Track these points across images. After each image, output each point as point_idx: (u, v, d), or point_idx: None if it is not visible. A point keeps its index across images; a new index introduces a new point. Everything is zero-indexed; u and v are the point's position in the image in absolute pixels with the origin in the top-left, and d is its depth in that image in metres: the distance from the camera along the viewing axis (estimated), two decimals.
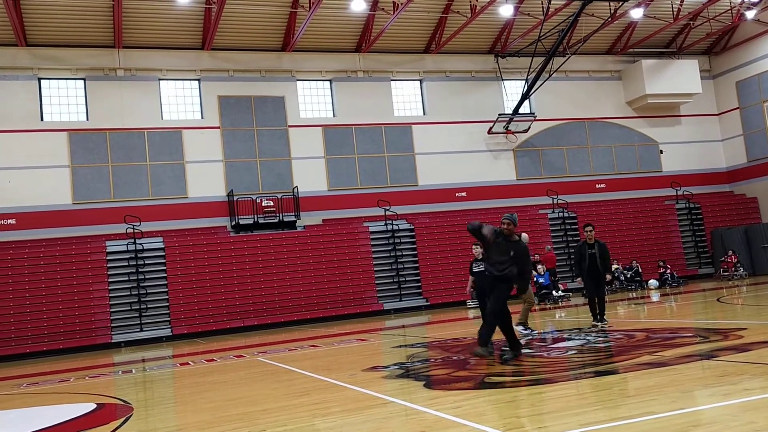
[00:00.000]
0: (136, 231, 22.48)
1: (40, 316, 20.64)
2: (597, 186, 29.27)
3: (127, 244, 22.22)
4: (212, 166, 24.46)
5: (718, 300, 16.77)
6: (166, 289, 22.25)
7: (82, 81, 23.67)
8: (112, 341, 21.12)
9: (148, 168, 23.70)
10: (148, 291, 22.11)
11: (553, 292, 22.47)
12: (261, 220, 23.98)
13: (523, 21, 26.70)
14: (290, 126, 25.52)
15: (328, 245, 23.97)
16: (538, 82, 26.43)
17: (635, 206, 28.70)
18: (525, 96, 27.02)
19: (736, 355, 7.46)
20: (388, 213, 25.40)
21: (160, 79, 24.45)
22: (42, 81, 23.30)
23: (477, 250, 12.83)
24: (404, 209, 25.91)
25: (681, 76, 29.69)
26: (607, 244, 12.50)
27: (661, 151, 30.55)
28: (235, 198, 23.99)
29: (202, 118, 24.78)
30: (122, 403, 8.72)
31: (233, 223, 23.96)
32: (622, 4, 25.52)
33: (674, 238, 28.71)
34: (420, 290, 24.85)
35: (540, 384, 7.04)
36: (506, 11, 25.26)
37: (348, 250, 24.20)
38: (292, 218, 24.32)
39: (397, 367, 9.38)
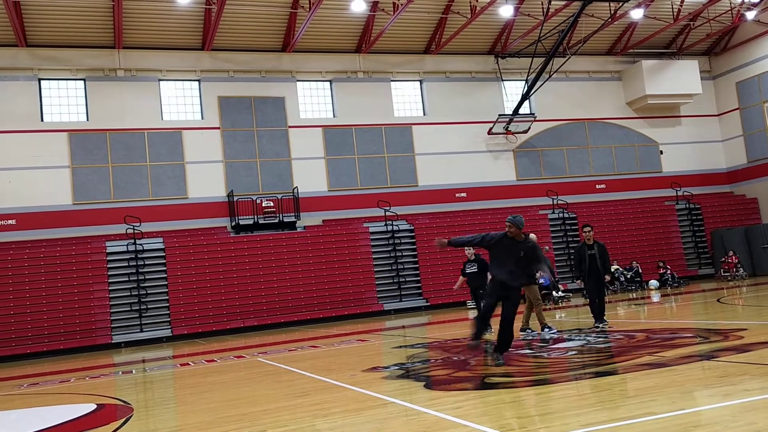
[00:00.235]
0: (136, 231, 22.48)
1: (41, 316, 20.65)
2: (597, 186, 29.27)
3: (127, 245, 22.22)
4: (212, 167, 24.46)
5: (718, 300, 16.77)
6: (167, 290, 22.25)
7: (83, 81, 23.67)
8: (113, 342, 21.13)
9: (148, 168, 23.71)
10: (149, 291, 22.11)
11: (553, 293, 22.46)
12: (261, 221, 23.98)
13: (523, 21, 26.70)
14: (290, 126, 25.53)
15: (328, 246, 23.97)
16: (538, 83, 26.43)
17: (635, 207, 28.70)
18: (525, 96, 27.03)
19: (737, 356, 7.46)
20: (388, 213, 25.40)
21: (160, 80, 24.46)
22: (42, 81, 23.31)
23: (470, 251, 12.87)
24: (404, 210, 25.91)
25: (681, 77, 29.70)
26: (606, 244, 12.50)
27: (661, 152, 30.55)
28: (235, 198, 23.99)
29: (202, 118, 24.79)
30: (122, 403, 8.72)
31: (233, 223, 23.96)
32: (622, 4, 25.52)
33: (674, 238, 28.71)
34: (420, 291, 24.85)
35: (540, 384, 7.04)
36: (506, 12, 25.26)
37: (348, 251, 24.21)
38: (292, 219, 24.32)
39: (397, 367, 9.38)
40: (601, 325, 11.87)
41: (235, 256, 22.91)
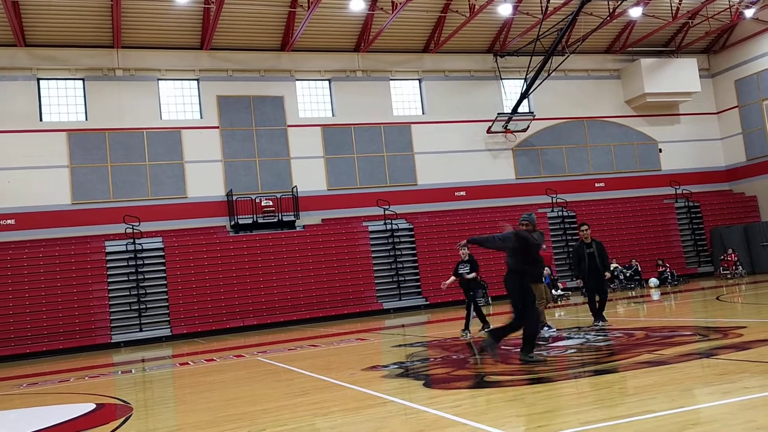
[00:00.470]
0: (135, 231, 22.47)
1: (40, 316, 20.64)
2: (596, 185, 29.28)
3: (126, 244, 22.21)
4: (211, 166, 24.45)
5: (717, 298, 16.77)
6: (166, 289, 22.25)
7: (81, 81, 23.65)
8: (112, 341, 21.12)
9: (147, 168, 23.69)
10: (148, 291, 22.11)
11: (552, 291, 22.46)
12: (260, 220, 23.98)
13: (522, 20, 26.69)
14: (289, 126, 25.52)
15: (327, 245, 23.97)
16: (537, 81, 26.43)
17: (634, 205, 28.70)
18: (524, 95, 27.03)
19: (736, 354, 7.46)
20: (387, 212, 25.40)
21: (159, 79, 24.44)
22: (41, 81, 23.29)
23: (464, 252, 12.85)
24: (403, 209, 25.91)
25: (680, 75, 29.70)
26: (605, 242, 12.51)
27: (660, 150, 30.56)
28: (234, 198, 23.99)
29: (201, 117, 24.78)
30: (122, 403, 8.71)
31: (232, 222, 23.96)
32: (621, 2, 25.53)
33: (673, 236, 28.71)
34: (419, 289, 24.85)
35: (540, 383, 7.04)
36: (505, 10, 25.26)
37: (347, 250, 24.20)
38: (292, 218, 24.32)
39: (396, 366, 9.38)
40: (600, 324, 11.88)
41: (234, 256, 22.90)
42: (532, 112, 27.94)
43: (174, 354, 16.30)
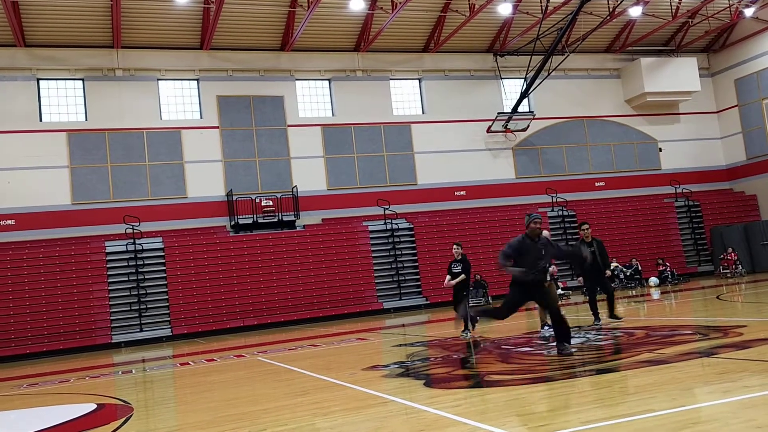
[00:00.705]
0: (135, 231, 22.47)
1: (40, 316, 20.64)
2: (596, 184, 29.27)
3: (126, 245, 22.21)
4: (211, 166, 24.45)
5: (717, 297, 16.77)
6: (166, 289, 22.25)
7: (81, 81, 23.65)
8: (112, 341, 21.12)
9: (147, 168, 23.69)
10: (148, 291, 22.11)
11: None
12: (260, 220, 23.98)
13: (522, 19, 26.69)
14: (289, 125, 25.52)
15: (327, 245, 23.97)
16: (537, 81, 26.43)
17: (634, 204, 28.70)
18: (524, 94, 27.03)
19: (736, 353, 7.46)
20: (387, 212, 25.40)
21: (158, 79, 24.44)
22: (41, 81, 23.29)
23: (457, 251, 12.86)
24: (403, 208, 25.91)
25: (680, 74, 29.69)
26: (605, 242, 12.53)
27: (660, 149, 30.56)
28: (235, 198, 23.98)
29: (201, 117, 24.78)
30: (122, 403, 8.71)
31: (232, 222, 23.96)
32: (621, 2, 25.52)
33: (673, 235, 28.71)
34: (419, 289, 24.85)
35: (540, 382, 7.04)
36: (505, 10, 25.26)
37: (347, 250, 24.21)
38: (292, 218, 24.32)
39: (397, 365, 9.38)
40: (613, 321, 11.88)
41: (234, 256, 22.91)
42: (532, 112, 27.95)
43: (174, 354, 16.30)
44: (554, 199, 27.80)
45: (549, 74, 26.62)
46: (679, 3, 27.14)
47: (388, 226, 25.01)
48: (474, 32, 27.13)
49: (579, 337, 10.62)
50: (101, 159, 23.26)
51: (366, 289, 24.15)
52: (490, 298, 23.61)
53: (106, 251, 21.99)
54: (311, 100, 26.39)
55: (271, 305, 22.87)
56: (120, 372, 13.34)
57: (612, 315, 12.03)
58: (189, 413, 7.54)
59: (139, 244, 22.29)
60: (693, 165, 30.90)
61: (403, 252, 25.00)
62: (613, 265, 24.67)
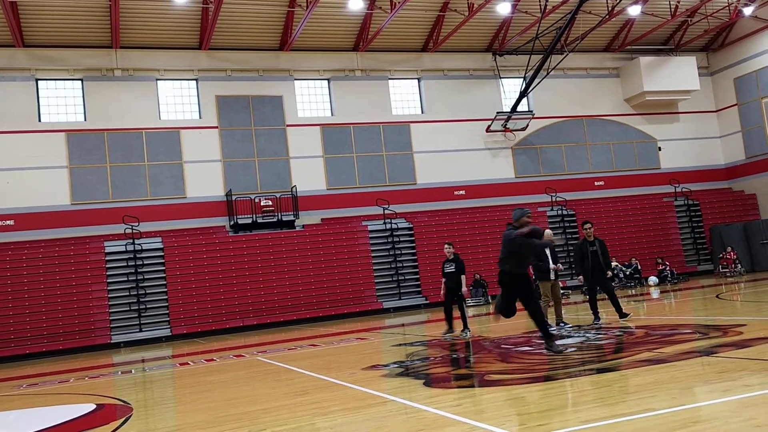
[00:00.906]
0: (134, 231, 22.46)
1: (40, 317, 20.63)
2: (595, 183, 29.28)
3: (125, 245, 22.20)
4: (210, 166, 24.44)
5: (717, 296, 16.77)
6: (165, 290, 22.24)
7: (80, 81, 23.64)
8: (112, 341, 21.11)
9: (146, 168, 23.68)
10: (147, 291, 22.10)
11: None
12: (260, 220, 23.97)
13: (521, 19, 26.68)
14: (288, 125, 25.51)
15: (327, 244, 23.96)
16: (536, 80, 26.43)
17: (634, 203, 28.71)
18: (523, 94, 27.02)
19: (736, 352, 7.46)
20: (386, 212, 25.39)
21: (157, 79, 24.43)
22: (39, 82, 23.28)
23: (449, 250, 12.86)
24: (403, 208, 25.90)
25: (679, 73, 29.69)
26: (604, 241, 12.53)
27: (660, 148, 30.56)
28: (234, 198, 23.97)
29: (200, 117, 24.76)
30: (122, 403, 8.71)
31: (232, 222, 23.95)
32: (620, 1, 25.52)
33: (673, 235, 28.72)
34: (419, 288, 24.85)
35: (540, 381, 7.04)
36: (504, 9, 25.26)
37: (347, 249, 24.20)
38: (291, 218, 24.31)
39: (396, 365, 9.38)
40: (622, 320, 11.87)
41: (233, 256, 22.90)
42: (532, 111, 27.94)
43: (174, 354, 16.30)
44: (554, 199, 27.80)
45: (548, 73, 26.62)
46: (678, 2, 27.15)
47: (388, 226, 25.01)
48: (473, 32, 27.13)
49: (578, 336, 10.62)
50: (100, 159, 23.25)
51: (365, 288, 24.15)
52: (489, 297, 23.60)
53: (106, 251, 21.98)
54: (310, 99, 26.38)
55: (270, 305, 22.86)
56: (119, 372, 13.33)
57: (622, 315, 11.98)
58: (188, 413, 7.54)
59: (139, 244, 22.28)
60: (692, 164, 30.90)
61: (403, 252, 24.99)
62: (613, 264, 24.66)
